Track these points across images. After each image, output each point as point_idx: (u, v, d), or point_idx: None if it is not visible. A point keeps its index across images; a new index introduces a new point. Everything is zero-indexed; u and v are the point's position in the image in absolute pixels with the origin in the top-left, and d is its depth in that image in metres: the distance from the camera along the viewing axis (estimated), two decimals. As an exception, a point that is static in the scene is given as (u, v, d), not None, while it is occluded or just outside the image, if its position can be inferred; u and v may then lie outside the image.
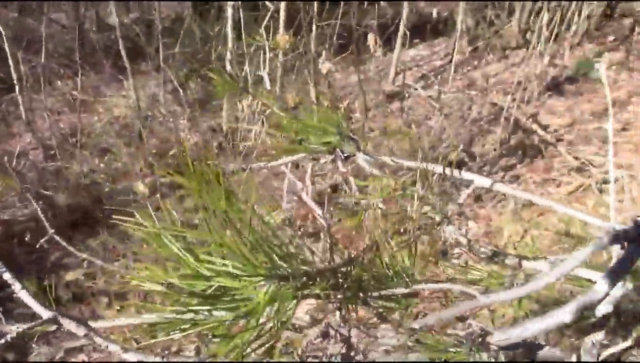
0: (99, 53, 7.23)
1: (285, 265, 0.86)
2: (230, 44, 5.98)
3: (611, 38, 8.25)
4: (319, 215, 1.02)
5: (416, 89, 7.44)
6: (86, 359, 4.03)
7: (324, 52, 4.67)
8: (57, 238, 2.08)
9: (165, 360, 0.86)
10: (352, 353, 0.94)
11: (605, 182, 5.53)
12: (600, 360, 1.68)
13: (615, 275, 1.06)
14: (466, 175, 1.12)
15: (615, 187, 5.45)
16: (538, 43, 6.76)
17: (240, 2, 5.98)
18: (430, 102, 6.93)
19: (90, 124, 7.15)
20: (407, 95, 7.27)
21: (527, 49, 7.02)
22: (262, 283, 0.83)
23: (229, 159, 5.55)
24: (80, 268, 4.94)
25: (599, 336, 1.36)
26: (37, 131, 6.74)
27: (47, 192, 5.80)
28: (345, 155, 1.12)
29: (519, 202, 5.41)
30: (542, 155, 6.13)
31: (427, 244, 1.16)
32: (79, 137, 6.38)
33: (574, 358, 1.52)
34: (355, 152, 1.13)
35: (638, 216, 1.03)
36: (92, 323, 0.86)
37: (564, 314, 1.00)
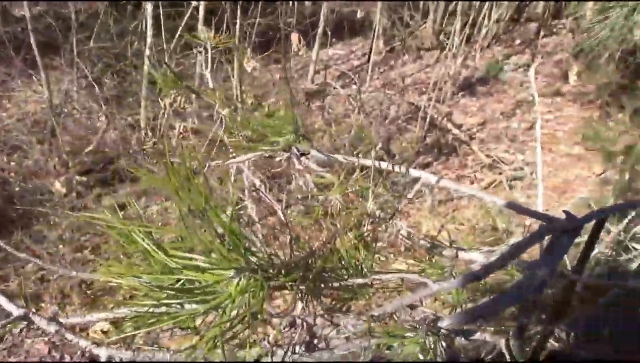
0: (7, 46, 6.88)
1: (253, 259, 0.89)
2: (149, 40, 5.86)
3: (518, 41, 8.69)
4: (278, 209, 1.05)
5: (335, 88, 7.55)
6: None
7: (249, 50, 4.67)
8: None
9: (135, 353, 0.87)
10: (315, 342, 0.98)
11: (515, 178, 5.83)
12: (524, 338, 1.80)
13: (548, 264, 1.16)
14: (414, 172, 1.19)
15: (523, 183, 5.76)
16: (452, 45, 7.03)
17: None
18: (349, 100, 7.05)
19: (-2, 119, 6.82)
20: (326, 93, 7.37)
21: (441, 50, 7.29)
22: (232, 275, 0.85)
23: (150, 157, 5.46)
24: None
25: (525, 321, 1.46)
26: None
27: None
28: (300, 152, 1.16)
29: (436, 199, 5.62)
30: (456, 153, 6.39)
31: (374, 237, 1.22)
32: (-14, 133, 6.08)
33: (502, 342, 1.63)
34: (310, 150, 1.17)
35: (566, 209, 1.13)
36: (62, 320, 0.86)
37: (510, 299, 1.09)
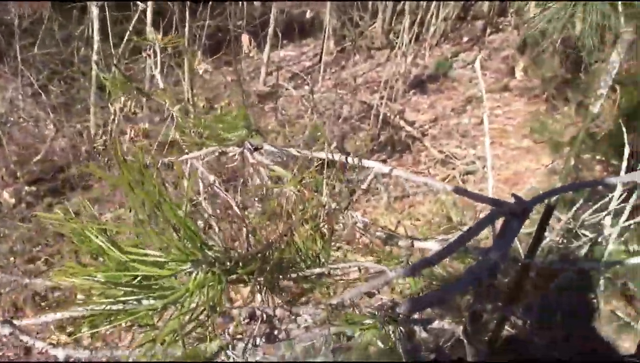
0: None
1: (210, 253, 0.89)
2: (96, 45, 5.76)
3: (466, 39, 8.85)
4: (234, 204, 1.05)
5: (288, 89, 7.56)
6: None
7: (198, 52, 4.64)
8: None
9: (93, 353, 0.86)
10: (275, 333, 0.99)
11: (468, 173, 5.94)
12: (481, 325, 1.85)
13: (500, 248, 1.19)
14: (367, 163, 1.20)
15: (475, 177, 5.88)
16: (402, 43, 7.11)
17: (105, 2, 5.78)
18: (302, 101, 7.07)
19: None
20: (279, 95, 7.37)
21: (391, 49, 7.37)
22: (189, 270, 0.85)
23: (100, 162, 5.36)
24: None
25: (480, 307, 1.50)
26: None
27: None
28: (253, 147, 1.16)
29: (391, 196, 5.69)
30: (409, 150, 6.47)
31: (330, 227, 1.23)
32: None
33: (460, 329, 1.66)
34: (263, 144, 1.17)
35: (515, 193, 1.16)
36: (17, 322, 0.84)
37: (464, 283, 1.11)
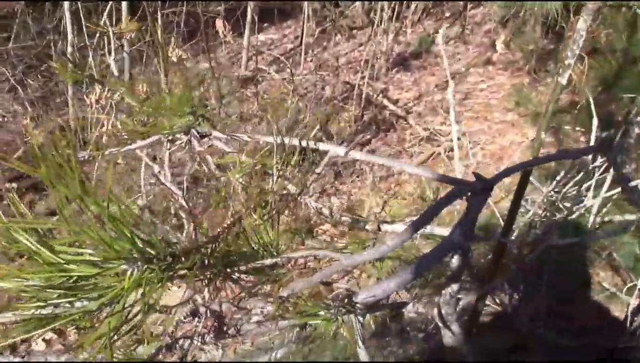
0: None
1: (148, 249, 0.84)
2: (70, 37, 5.65)
3: (447, 14, 8.77)
4: (178, 196, 1.00)
5: (269, 73, 7.48)
6: None
7: (172, 39, 4.55)
8: None
9: (25, 359, 0.82)
10: (225, 329, 0.94)
11: (452, 149, 5.90)
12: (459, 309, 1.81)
13: (463, 226, 1.15)
14: (322, 145, 1.15)
15: (460, 153, 5.84)
16: (382, 21, 7.03)
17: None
18: (284, 84, 6.99)
19: None
20: (260, 79, 7.29)
21: (372, 27, 7.28)
22: (125, 268, 0.81)
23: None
24: None
25: (454, 287, 1.46)
26: None
27: None
28: (200, 134, 1.11)
29: (377, 176, 5.65)
30: (394, 128, 6.42)
31: (291, 216, 1.19)
32: None
33: (435, 311, 1.62)
34: (211, 131, 1.12)
35: (476, 171, 1.12)
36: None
37: (422, 265, 1.07)
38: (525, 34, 6.16)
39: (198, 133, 1.10)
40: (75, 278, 0.85)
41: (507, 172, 1.15)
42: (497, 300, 2.91)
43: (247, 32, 7.41)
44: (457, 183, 1.11)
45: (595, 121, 2.12)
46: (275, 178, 1.06)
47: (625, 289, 2.97)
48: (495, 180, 1.11)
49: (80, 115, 6.10)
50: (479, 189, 1.10)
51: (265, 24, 8.90)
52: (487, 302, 2.81)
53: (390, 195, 5.21)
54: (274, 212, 1.00)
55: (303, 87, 7.05)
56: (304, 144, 1.15)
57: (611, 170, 3.08)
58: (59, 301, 0.80)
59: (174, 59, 4.22)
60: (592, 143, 2.32)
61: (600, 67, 3.68)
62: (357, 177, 5.63)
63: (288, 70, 7.29)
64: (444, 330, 1.62)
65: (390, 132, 6.40)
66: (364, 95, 6.53)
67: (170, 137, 1.08)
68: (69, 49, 5.73)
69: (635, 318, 2.90)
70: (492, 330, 3.02)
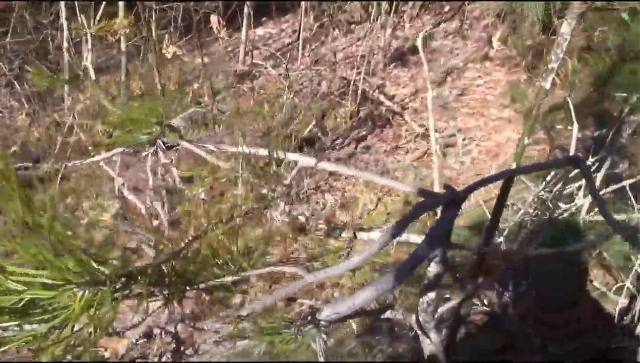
0: None
1: (101, 269, 0.83)
2: (66, 33, 5.63)
3: (447, 8, 8.71)
4: (142, 208, 0.99)
5: (266, 68, 7.45)
6: None
7: (166, 35, 4.53)
8: None
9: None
10: (182, 348, 0.93)
11: (447, 145, 5.88)
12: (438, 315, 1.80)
13: (433, 238, 1.14)
14: (291, 156, 1.14)
15: (455, 149, 5.82)
16: (379, 16, 6.99)
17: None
18: (281, 80, 6.97)
19: None
20: (257, 74, 7.26)
21: (370, 22, 7.25)
22: (75, 289, 0.79)
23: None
24: None
25: (430, 296, 1.45)
26: None
27: None
28: (167, 145, 1.10)
29: (372, 172, 5.63)
30: (390, 125, 6.39)
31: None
32: None
33: (413, 318, 1.61)
34: (179, 141, 1.11)
35: (447, 183, 1.11)
36: None
37: (388, 282, 1.06)
38: (521, 30, 6.13)
39: (164, 144, 1.09)
40: (26, 300, 0.84)
41: (479, 185, 1.13)
42: (486, 301, 2.90)
43: (244, 26, 7.38)
44: (426, 196, 1.09)
45: (575, 126, 2.10)
46: (241, 191, 1.04)
47: (614, 289, 2.96)
48: (465, 193, 1.10)
49: (74, 110, 6.09)
50: (448, 201, 1.09)
51: (264, 18, 8.87)
52: (476, 302, 2.80)
53: (384, 192, 5.19)
54: (236, 227, 0.98)
55: (299, 82, 7.03)
56: (273, 154, 1.14)
57: (602, 169, 3.07)
58: (7, 325, 0.78)
59: (168, 56, 4.19)
60: (572, 150, 2.30)
61: (594, 64, 3.65)
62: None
63: (284, 65, 7.27)
64: (422, 338, 1.61)
65: (386, 128, 6.38)
66: (359, 91, 6.50)
67: (134, 149, 1.07)
68: (65, 44, 5.71)
69: (625, 318, 2.89)
70: (482, 330, 3.01)
